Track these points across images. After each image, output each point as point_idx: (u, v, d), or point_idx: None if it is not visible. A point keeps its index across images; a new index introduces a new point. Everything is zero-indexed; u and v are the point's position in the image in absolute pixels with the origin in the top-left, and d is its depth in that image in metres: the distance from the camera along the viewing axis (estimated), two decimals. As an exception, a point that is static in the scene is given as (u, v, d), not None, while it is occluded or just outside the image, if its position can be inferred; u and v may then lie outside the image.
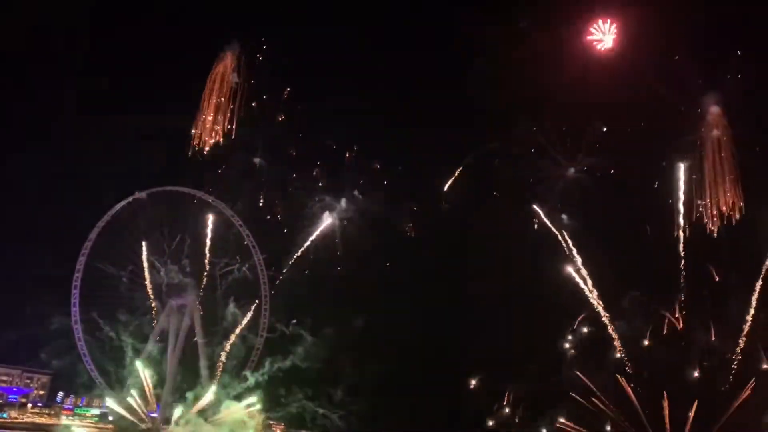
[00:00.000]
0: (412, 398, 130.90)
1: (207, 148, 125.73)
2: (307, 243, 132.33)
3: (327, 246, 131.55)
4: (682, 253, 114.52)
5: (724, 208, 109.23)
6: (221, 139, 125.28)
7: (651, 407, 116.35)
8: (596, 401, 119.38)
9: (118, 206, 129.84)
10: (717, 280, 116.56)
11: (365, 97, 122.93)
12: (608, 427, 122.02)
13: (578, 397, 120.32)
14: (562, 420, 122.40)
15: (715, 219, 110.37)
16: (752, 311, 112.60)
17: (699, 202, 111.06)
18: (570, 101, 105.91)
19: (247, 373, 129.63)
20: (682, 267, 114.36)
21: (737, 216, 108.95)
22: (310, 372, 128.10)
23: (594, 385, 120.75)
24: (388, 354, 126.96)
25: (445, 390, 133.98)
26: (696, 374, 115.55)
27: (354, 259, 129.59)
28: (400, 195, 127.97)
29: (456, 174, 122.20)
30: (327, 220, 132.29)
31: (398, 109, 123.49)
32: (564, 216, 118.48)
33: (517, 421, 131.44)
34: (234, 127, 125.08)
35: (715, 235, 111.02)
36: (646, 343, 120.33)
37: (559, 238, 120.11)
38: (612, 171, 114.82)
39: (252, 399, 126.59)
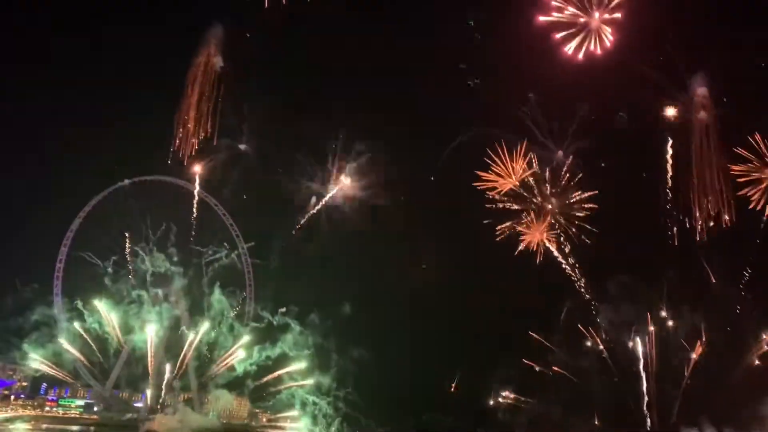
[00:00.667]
0: (401, 385, 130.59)
1: (190, 151, 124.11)
2: (294, 231, 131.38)
3: (315, 232, 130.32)
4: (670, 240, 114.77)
5: (711, 202, 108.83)
6: (207, 134, 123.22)
7: (638, 393, 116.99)
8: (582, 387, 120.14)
9: (101, 195, 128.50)
10: (705, 266, 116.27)
11: (353, 81, 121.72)
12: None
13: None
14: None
15: (702, 210, 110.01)
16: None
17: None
18: (557, 84, 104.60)
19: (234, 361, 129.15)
20: (669, 252, 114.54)
21: (725, 208, 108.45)
22: (299, 359, 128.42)
23: (580, 371, 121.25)
24: (377, 341, 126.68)
25: (433, 377, 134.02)
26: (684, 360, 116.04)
27: (342, 245, 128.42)
28: (388, 180, 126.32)
29: (443, 159, 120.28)
30: (314, 207, 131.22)
31: (386, 95, 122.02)
32: (553, 200, 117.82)
33: (503, 407, 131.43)
34: (218, 114, 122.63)
35: (702, 228, 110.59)
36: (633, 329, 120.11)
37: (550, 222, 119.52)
38: (600, 156, 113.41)
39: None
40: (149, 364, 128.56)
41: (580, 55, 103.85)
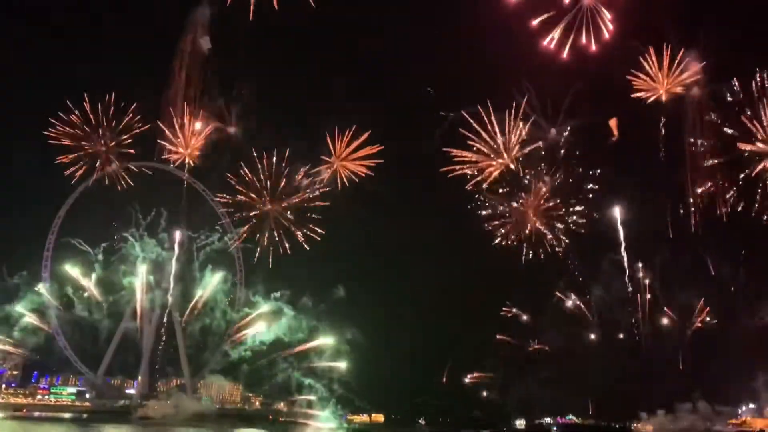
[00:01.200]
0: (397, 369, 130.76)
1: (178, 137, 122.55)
2: (288, 214, 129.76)
3: (308, 215, 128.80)
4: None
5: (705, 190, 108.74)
6: (195, 118, 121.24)
7: (631, 370, 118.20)
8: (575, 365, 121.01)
9: (88, 181, 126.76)
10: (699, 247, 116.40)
11: (342, 60, 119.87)
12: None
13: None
14: None
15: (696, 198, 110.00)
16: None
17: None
18: (549, 62, 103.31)
19: (227, 348, 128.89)
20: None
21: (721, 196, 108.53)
22: (295, 344, 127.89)
23: (573, 350, 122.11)
24: (373, 326, 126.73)
25: (427, 353, 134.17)
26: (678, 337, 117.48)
27: (335, 228, 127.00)
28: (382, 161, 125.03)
29: (435, 137, 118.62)
30: (306, 190, 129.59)
31: (376, 74, 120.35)
32: (546, 178, 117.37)
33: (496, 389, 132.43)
34: (206, 97, 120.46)
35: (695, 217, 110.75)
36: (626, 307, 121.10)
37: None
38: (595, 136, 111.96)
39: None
40: (141, 351, 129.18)
41: (566, 50, 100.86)
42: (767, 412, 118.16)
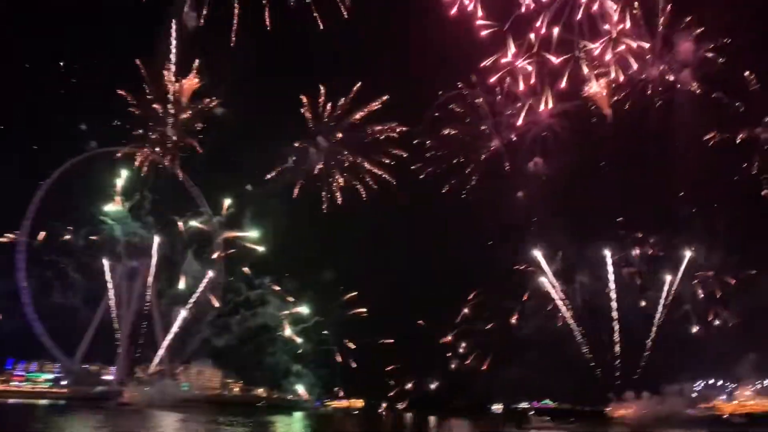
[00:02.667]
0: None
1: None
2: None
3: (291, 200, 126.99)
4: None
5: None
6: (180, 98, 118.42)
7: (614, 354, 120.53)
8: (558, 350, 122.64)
9: (65, 166, 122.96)
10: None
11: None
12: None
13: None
14: None
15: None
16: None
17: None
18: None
19: (208, 334, 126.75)
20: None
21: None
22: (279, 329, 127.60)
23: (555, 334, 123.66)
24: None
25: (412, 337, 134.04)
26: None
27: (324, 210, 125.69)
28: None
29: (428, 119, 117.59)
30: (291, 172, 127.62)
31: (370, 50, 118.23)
32: (539, 160, 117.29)
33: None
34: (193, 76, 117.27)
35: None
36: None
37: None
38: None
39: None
40: (120, 337, 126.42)
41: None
42: (737, 395, 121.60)
